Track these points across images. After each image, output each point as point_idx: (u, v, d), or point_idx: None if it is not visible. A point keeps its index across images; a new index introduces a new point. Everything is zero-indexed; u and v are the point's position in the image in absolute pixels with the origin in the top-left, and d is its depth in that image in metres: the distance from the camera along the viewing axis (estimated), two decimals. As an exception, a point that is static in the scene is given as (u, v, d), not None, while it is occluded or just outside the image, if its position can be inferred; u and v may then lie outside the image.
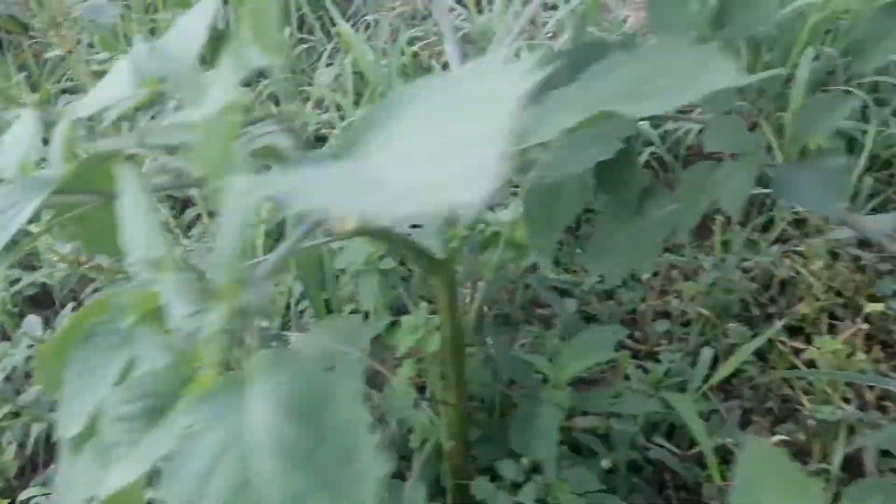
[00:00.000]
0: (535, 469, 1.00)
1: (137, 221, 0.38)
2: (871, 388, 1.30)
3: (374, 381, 1.04)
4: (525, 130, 0.67)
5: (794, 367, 1.35)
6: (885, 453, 1.19)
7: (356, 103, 2.01)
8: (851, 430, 1.22)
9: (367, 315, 1.06)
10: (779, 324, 1.40)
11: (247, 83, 2.35)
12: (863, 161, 1.53)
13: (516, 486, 1.00)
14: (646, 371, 1.33)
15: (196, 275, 0.37)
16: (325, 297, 1.15)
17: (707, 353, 1.31)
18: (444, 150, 0.33)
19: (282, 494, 0.33)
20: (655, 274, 1.53)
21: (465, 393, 1.00)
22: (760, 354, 1.39)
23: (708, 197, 0.72)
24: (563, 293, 1.58)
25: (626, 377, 1.30)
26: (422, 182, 0.31)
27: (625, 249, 0.85)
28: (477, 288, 0.96)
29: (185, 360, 0.36)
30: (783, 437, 1.23)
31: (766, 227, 1.60)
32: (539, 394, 0.99)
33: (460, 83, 0.39)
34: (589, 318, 1.51)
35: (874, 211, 1.55)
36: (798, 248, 1.51)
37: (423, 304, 1.03)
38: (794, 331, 1.41)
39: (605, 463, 1.14)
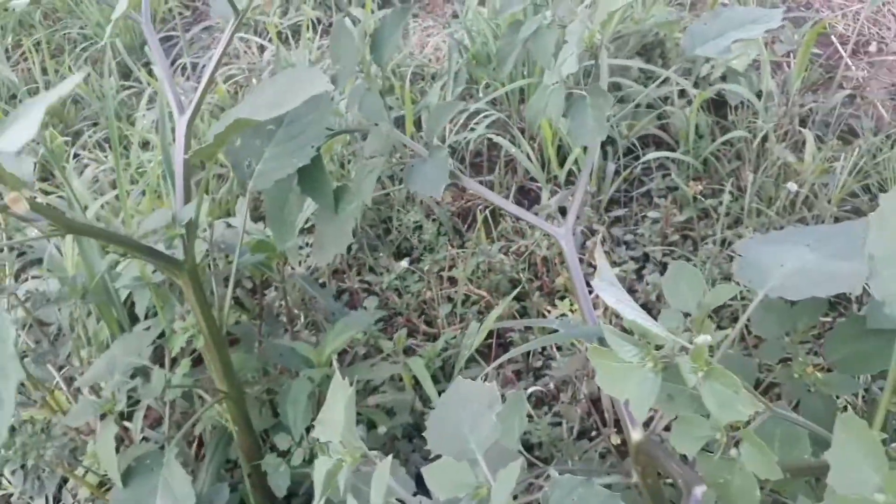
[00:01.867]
0: (309, 434, 1.17)
1: None
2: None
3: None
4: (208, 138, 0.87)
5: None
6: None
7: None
8: (585, 390, 1.46)
9: (148, 327, 1.21)
10: (537, 294, 1.65)
11: (77, 133, 2.44)
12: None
13: (290, 453, 1.17)
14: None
15: None
16: (116, 316, 1.28)
17: (474, 326, 1.54)
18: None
19: None
20: (440, 267, 1.75)
21: (235, 381, 1.17)
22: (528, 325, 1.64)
23: (361, 192, 0.93)
24: (367, 290, 1.79)
25: (406, 351, 1.52)
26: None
27: (333, 241, 1.05)
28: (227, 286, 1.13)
29: None
30: (536, 388, 1.48)
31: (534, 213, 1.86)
32: (301, 372, 1.17)
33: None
34: (391, 312, 1.72)
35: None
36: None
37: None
38: (552, 297, 1.67)
39: (382, 429, 1.33)
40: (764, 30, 0.92)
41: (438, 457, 0.74)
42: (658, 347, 0.56)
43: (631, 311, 0.51)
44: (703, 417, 0.54)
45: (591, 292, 1.06)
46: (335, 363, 0.64)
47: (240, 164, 1.06)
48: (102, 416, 1.00)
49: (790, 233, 1.06)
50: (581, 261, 1.68)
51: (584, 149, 1.83)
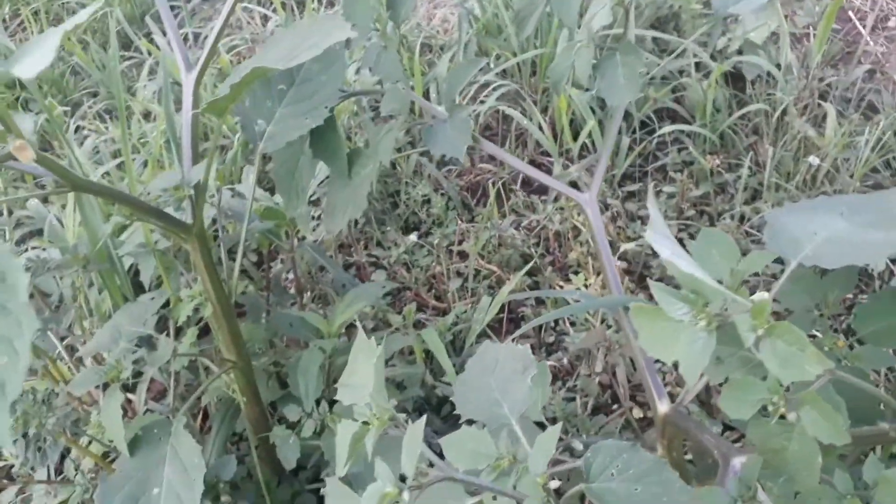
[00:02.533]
0: (319, 406, 1.14)
1: None
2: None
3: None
4: (222, 89, 0.83)
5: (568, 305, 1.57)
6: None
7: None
8: (607, 355, 1.44)
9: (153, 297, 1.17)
10: (549, 269, 1.62)
11: (76, 104, 2.39)
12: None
13: (299, 425, 1.14)
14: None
15: None
16: (119, 284, 1.24)
17: (486, 301, 1.50)
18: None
19: None
20: (450, 241, 1.71)
21: (243, 351, 1.13)
22: (540, 298, 1.60)
23: (378, 154, 0.89)
24: (375, 265, 1.75)
25: (416, 325, 1.48)
26: None
27: (346, 206, 1.01)
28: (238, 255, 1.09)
29: None
30: (549, 363, 1.44)
31: (545, 188, 1.83)
32: (311, 341, 1.14)
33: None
34: (400, 287, 1.69)
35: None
36: (574, 203, 1.73)
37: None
38: (565, 272, 1.63)
39: (392, 403, 1.30)
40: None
41: (452, 428, 0.71)
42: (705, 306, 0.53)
43: (686, 265, 0.48)
44: (757, 380, 0.51)
45: (618, 250, 1.01)
46: (359, 326, 0.60)
47: (250, 125, 1.02)
48: (106, 385, 0.96)
49: (821, 202, 1.03)
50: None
51: (599, 122, 1.79)
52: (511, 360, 0.69)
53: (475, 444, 0.72)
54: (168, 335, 1.14)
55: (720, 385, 1.27)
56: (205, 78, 2.10)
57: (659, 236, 0.50)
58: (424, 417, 0.54)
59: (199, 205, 0.94)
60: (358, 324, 0.64)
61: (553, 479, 0.57)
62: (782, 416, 0.50)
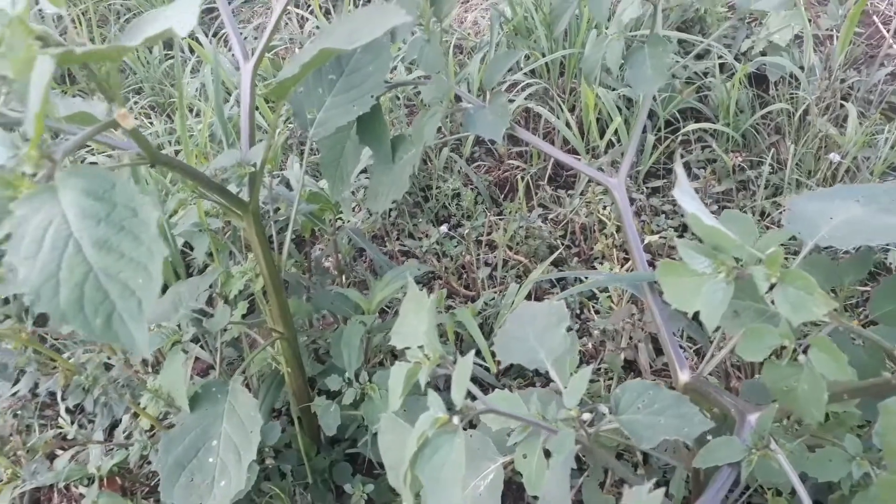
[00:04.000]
0: (358, 378, 1.22)
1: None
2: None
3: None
4: (284, 73, 0.91)
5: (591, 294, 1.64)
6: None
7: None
8: (630, 338, 1.50)
9: (205, 268, 1.25)
10: (575, 260, 1.68)
11: (125, 98, 2.50)
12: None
13: (340, 394, 1.21)
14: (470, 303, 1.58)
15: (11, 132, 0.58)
16: (172, 261, 1.33)
17: (513, 288, 1.57)
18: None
19: (93, 241, 0.54)
20: (479, 232, 1.79)
21: (290, 323, 1.21)
22: (566, 288, 1.67)
23: (423, 137, 0.97)
24: (406, 254, 1.83)
25: (447, 310, 1.55)
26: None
27: (390, 189, 1.09)
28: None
29: (10, 182, 0.56)
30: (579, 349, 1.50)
31: (571, 184, 1.89)
32: (350, 318, 1.21)
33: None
34: (430, 276, 1.76)
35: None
36: (599, 197, 1.79)
37: (251, 255, 1.23)
38: (590, 263, 1.69)
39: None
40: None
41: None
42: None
43: (709, 219, 0.54)
44: (770, 327, 0.57)
45: (643, 242, 1.08)
46: (410, 280, 0.67)
47: (302, 112, 1.10)
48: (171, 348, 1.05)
49: (839, 189, 1.08)
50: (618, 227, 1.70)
51: (625, 120, 1.85)
52: (547, 314, 0.76)
53: (507, 404, 0.79)
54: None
55: (734, 365, 1.32)
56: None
57: (685, 194, 0.56)
58: (473, 352, 0.61)
59: (257, 183, 1.02)
60: (410, 279, 0.71)
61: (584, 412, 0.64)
62: (794, 359, 0.56)
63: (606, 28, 1.74)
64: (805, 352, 0.56)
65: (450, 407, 0.59)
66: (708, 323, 0.57)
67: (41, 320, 1.37)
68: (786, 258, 1.49)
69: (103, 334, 0.53)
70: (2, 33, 0.66)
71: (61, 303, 0.54)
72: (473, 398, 0.61)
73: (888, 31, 2.04)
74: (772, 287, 0.53)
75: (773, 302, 0.56)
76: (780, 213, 1.63)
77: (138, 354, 0.53)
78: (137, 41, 0.65)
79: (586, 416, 0.63)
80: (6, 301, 1.09)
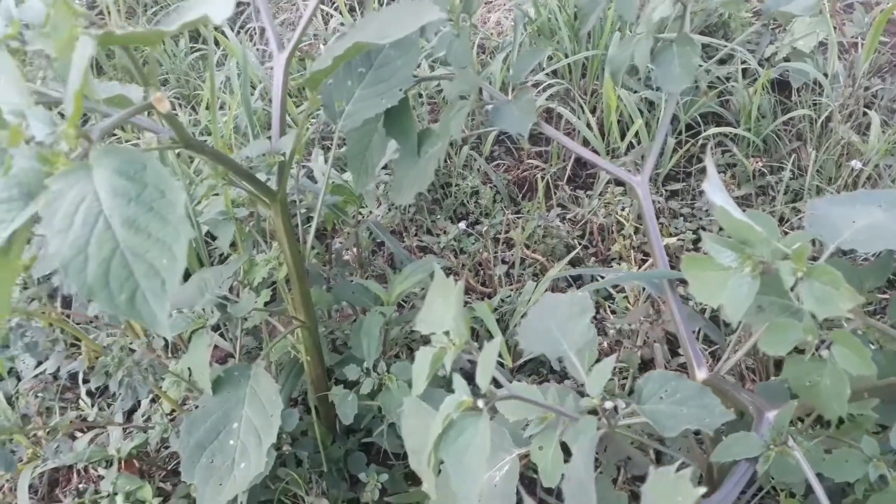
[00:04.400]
0: (376, 368, 1.23)
1: (7, 82, 0.60)
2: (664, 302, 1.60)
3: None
4: (317, 64, 0.93)
5: (607, 295, 1.64)
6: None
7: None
8: (647, 337, 1.50)
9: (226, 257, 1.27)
10: (592, 260, 1.69)
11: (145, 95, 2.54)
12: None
13: (358, 384, 1.23)
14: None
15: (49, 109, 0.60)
16: (196, 248, 1.35)
17: (530, 285, 1.58)
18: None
19: (122, 219, 0.56)
20: (497, 230, 1.80)
21: (312, 312, 1.23)
22: (581, 286, 1.68)
23: (449, 130, 0.98)
24: (424, 250, 1.84)
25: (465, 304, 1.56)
26: None
27: (414, 182, 1.11)
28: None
29: (48, 158, 0.58)
30: (591, 346, 1.51)
31: (590, 185, 1.90)
32: (370, 309, 1.23)
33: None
34: (447, 272, 1.77)
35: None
36: (618, 198, 1.80)
37: (275, 244, 1.25)
38: (607, 264, 1.70)
39: (440, 373, 1.39)
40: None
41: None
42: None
43: (737, 212, 0.55)
44: (794, 321, 0.58)
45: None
46: (437, 268, 0.68)
47: (331, 103, 1.12)
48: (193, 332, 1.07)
49: (861, 194, 1.08)
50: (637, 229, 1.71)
51: (646, 122, 1.86)
52: (569, 305, 0.77)
53: (527, 395, 0.80)
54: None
55: (749, 367, 1.32)
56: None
57: (714, 188, 0.57)
58: (499, 337, 0.62)
59: (285, 173, 1.04)
60: (437, 268, 0.72)
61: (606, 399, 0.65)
62: (816, 355, 0.57)
63: (630, 30, 1.74)
64: (829, 348, 0.57)
65: (474, 392, 0.60)
66: (733, 317, 0.58)
67: (67, 303, 1.39)
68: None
69: (127, 310, 0.55)
70: (47, 12, 0.68)
71: (88, 277, 0.56)
72: (497, 385, 0.62)
73: (913, 41, 2.03)
74: (797, 282, 0.54)
75: (797, 298, 0.57)
76: (800, 218, 1.63)
77: (160, 332, 0.55)
78: (175, 27, 0.67)
79: (608, 405, 0.64)
80: (36, 282, 1.12)
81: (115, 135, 1.97)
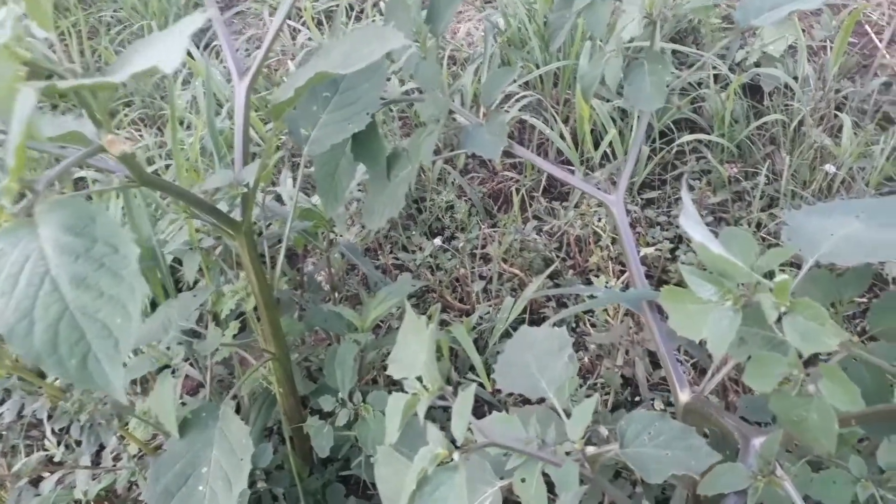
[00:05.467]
0: (352, 398, 1.19)
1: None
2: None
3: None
4: (279, 95, 0.89)
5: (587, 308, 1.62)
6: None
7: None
8: (628, 353, 1.48)
9: (196, 283, 1.23)
10: (570, 272, 1.67)
11: (112, 113, 2.48)
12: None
13: (334, 414, 1.19)
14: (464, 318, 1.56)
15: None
16: (161, 280, 1.31)
17: (509, 301, 1.56)
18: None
19: (71, 278, 0.52)
20: (473, 245, 1.77)
21: (283, 343, 1.19)
22: (561, 301, 1.65)
23: (420, 154, 0.95)
24: (399, 267, 1.81)
25: (441, 325, 1.53)
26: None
27: (385, 206, 1.07)
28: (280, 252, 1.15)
29: None
30: (572, 362, 1.49)
31: (566, 195, 1.88)
32: (344, 336, 1.19)
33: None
34: (424, 289, 1.74)
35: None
36: (594, 209, 1.78)
37: (242, 274, 1.21)
38: (585, 275, 1.68)
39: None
40: (822, 2, 0.93)
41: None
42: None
43: (717, 247, 0.53)
44: (778, 355, 0.56)
45: (638, 254, 1.06)
46: (408, 306, 0.65)
47: (296, 129, 1.08)
48: (159, 371, 1.02)
49: (838, 204, 1.07)
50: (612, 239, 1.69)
51: (619, 132, 1.84)
52: (548, 340, 0.74)
53: (506, 427, 0.77)
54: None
55: (732, 379, 1.30)
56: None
57: (691, 221, 0.55)
58: (474, 385, 0.59)
59: (249, 203, 1.00)
60: (407, 304, 0.69)
61: (589, 444, 0.62)
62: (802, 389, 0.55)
63: (601, 41, 1.72)
64: (815, 383, 0.55)
65: (444, 430, 0.57)
66: (715, 351, 0.56)
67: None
68: (783, 269, 1.47)
69: (78, 376, 0.51)
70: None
71: (35, 342, 0.52)
72: (471, 431, 0.59)
73: (881, 42, 2.04)
74: (780, 316, 0.52)
75: (781, 330, 0.54)
76: (776, 224, 1.63)
77: (115, 396, 0.51)
78: (124, 76, 0.63)
79: (590, 450, 0.61)
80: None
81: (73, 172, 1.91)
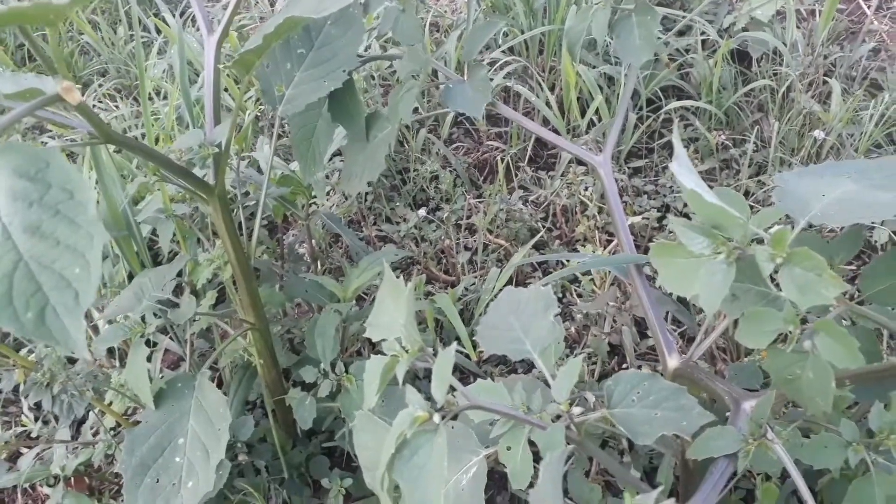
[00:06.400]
0: (334, 369, 1.17)
1: None
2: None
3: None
4: (248, 45, 0.84)
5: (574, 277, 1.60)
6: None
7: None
8: (615, 322, 1.46)
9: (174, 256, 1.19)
10: (557, 243, 1.64)
11: (86, 84, 2.40)
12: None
13: (316, 386, 1.16)
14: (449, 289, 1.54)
15: None
16: (137, 251, 1.27)
17: (494, 272, 1.53)
18: None
19: (24, 226, 0.49)
20: (458, 216, 1.74)
21: (262, 313, 1.15)
22: (547, 272, 1.63)
23: (399, 113, 0.91)
24: (384, 239, 1.77)
25: (426, 296, 1.50)
26: None
27: (364, 169, 1.03)
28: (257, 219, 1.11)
29: None
30: (559, 331, 1.47)
31: (552, 165, 1.85)
32: (325, 307, 1.16)
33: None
34: (409, 260, 1.71)
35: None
36: (581, 178, 1.75)
37: (219, 242, 1.17)
38: (572, 245, 1.66)
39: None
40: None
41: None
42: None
43: (709, 194, 0.50)
44: (773, 310, 0.53)
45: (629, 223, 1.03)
46: (387, 267, 0.61)
47: (270, 88, 1.04)
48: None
49: (829, 166, 1.04)
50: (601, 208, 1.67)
51: (606, 99, 1.80)
52: (533, 301, 0.72)
53: (490, 395, 0.75)
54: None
55: (720, 348, 1.28)
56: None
57: (684, 169, 0.52)
58: (454, 345, 0.56)
59: (222, 165, 0.96)
60: (386, 266, 0.66)
61: (574, 405, 0.60)
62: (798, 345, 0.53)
63: (587, 2, 1.68)
64: (811, 338, 0.52)
65: (429, 399, 0.54)
66: (707, 307, 0.53)
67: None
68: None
69: (35, 330, 0.47)
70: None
71: (-13, 297, 0.48)
72: (454, 391, 0.57)
73: (869, 8, 2.01)
74: (776, 269, 0.49)
75: (776, 284, 0.52)
76: (765, 191, 1.61)
77: (77, 352, 0.48)
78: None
79: (576, 411, 0.59)
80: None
81: (49, 135, 1.85)
